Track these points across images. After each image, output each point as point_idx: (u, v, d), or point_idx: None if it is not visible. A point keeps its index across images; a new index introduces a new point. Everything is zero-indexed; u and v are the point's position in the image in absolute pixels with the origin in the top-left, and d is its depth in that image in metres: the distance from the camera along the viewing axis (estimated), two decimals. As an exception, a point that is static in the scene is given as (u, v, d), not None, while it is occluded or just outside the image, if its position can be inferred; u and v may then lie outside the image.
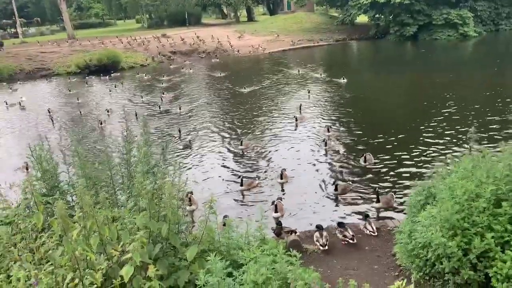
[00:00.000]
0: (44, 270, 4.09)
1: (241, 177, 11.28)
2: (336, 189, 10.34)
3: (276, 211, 9.27)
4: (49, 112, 20.64)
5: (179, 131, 15.94)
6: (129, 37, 49.51)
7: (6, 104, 24.44)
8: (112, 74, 34.84)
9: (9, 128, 19.90)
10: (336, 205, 10.06)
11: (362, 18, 56.86)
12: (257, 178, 11.46)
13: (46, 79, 35.60)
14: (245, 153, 13.66)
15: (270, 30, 55.37)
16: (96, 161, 6.41)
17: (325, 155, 12.87)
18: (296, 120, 16.27)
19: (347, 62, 38.51)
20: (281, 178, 11.17)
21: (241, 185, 11.04)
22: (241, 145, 13.90)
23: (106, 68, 37.16)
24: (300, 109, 17.91)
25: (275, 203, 9.43)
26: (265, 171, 12.20)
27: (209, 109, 20.49)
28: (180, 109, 19.85)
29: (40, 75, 37.18)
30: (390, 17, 50.12)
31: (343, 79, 24.36)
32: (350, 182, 10.78)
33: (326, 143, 13.15)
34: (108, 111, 20.30)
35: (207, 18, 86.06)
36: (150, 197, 4.49)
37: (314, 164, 12.38)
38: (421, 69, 29.86)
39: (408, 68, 31.07)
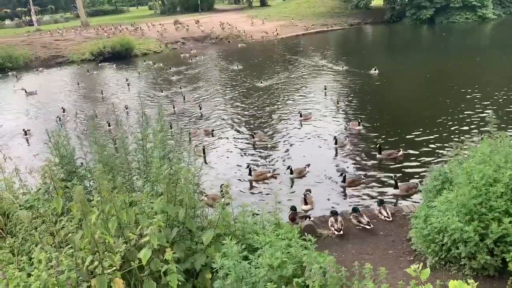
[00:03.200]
0: (65, 252, 4.20)
1: (249, 166, 11.26)
2: (343, 181, 10.29)
3: (306, 203, 9.10)
4: (63, 111, 19.27)
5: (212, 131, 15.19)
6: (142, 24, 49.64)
7: None
8: (100, 64, 34.99)
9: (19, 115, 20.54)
10: (351, 193, 10.04)
11: (377, 2, 55.80)
12: (271, 171, 11.40)
13: (59, 66, 36.23)
14: (257, 145, 13.60)
15: (283, 15, 54.77)
16: (112, 147, 6.50)
17: (336, 152, 12.53)
18: (301, 116, 15.74)
19: (366, 48, 36.95)
20: (291, 173, 10.95)
21: (249, 174, 11.09)
22: (254, 137, 13.86)
23: (120, 55, 37.50)
24: (338, 102, 17.14)
25: (305, 195, 9.28)
26: (277, 164, 12.10)
27: (225, 105, 19.41)
28: (200, 108, 18.07)
29: (55, 62, 37.57)
30: (406, 0, 49.03)
31: (375, 70, 22.43)
32: (362, 176, 10.63)
33: (336, 140, 12.76)
34: (126, 108, 18.79)
35: (220, 4, 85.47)
36: (167, 182, 4.54)
37: (328, 158, 12.25)
38: (446, 53, 28.94)
39: (433, 52, 29.88)
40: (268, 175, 11.16)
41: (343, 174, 10.42)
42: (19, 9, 76.49)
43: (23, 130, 16.50)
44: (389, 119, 15.56)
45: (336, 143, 12.72)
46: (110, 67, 34.52)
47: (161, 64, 32.33)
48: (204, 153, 12.31)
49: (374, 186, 10.33)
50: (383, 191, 10.03)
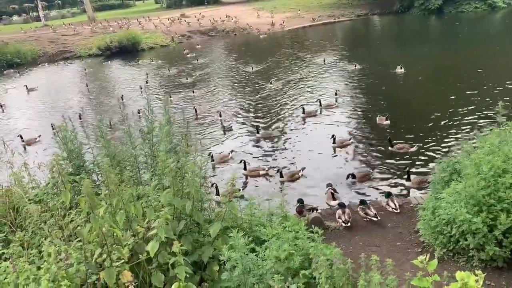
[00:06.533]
0: (73, 246, 4.24)
1: (244, 161, 11.30)
2: (354, 177, 10.14)
3: (334, 199, 8.96)
4: (80, 117, 17.26)
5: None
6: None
7: None
8: (83, 60, 34.67)
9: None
10: (361, 186, 10.02)
11: (385, -8, 55.10)
12: (265, 168, 11.30)
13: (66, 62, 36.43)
14: (262, 142, 13.55)
15: (290, 7, 54.40)
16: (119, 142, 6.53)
17: (334, 152, 12.29)
18: (303, 113, 15.41)
19: (378, 41, 35.66)
20: (281, 176, 10.65)
21: (244, 169, 11.15)
22: (258, 133, 13.81)
23: (126, 49, 37.60)
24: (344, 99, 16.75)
25: (333, 190, 9.17)
26: (277, 161, 12.03)
27: (234, 106, 18.46)
28: (221, 116, 16.33)
29: (62, 57, 37.78)
30: (415, -10, 48.33)
31: (401, 68, 20.59)
32: (371, 170, 10.54)
33: (334, 139, 12.46)
34: (139, 112, 16.42)
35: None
36: (173, 175, 4.55)
37: (337, 154, 12.19)
38: (465, 43, 28.38)
39: (449, 43, 29.13)
40: (261, 172, 11.11)
41: (352, 174, 10.22)
42: (26, 4, 76.73)
43: (19, 135, 15.47)
44: (405, 114, 15.23)
45: (334, 142, 12.44)
46: (106, 64, 34.32)
47: (159, 61, 31.47)
48: (212, 160, 12.05)
49: (383, 178, 10.28)
50: (393, 183, 9.98)
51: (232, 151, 12.49)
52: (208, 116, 17.04)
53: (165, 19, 48.56)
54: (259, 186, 10.64)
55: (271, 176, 11.03)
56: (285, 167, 11.49)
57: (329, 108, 16.07)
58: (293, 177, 10.68)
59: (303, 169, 10.94)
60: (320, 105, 16.27)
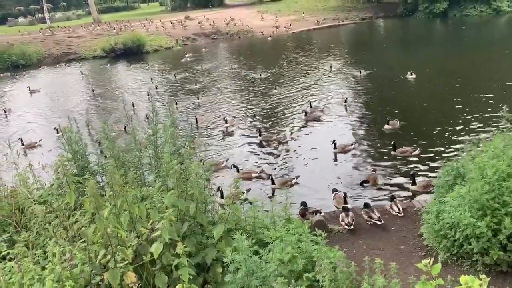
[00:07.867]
0: (78, 246, 4.26)
1: (234, 164, 11.35)
2: (367, 182, 10.06)
3: (346, 202, 8.76)
4: (87, 125, 16.74)
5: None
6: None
7: None
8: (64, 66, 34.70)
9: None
10: (364, 187, 10.01)
11: (389, -5, 55.09)
12: (258, 171, 11.29)
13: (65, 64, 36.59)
14: (263, 145, 13.53)
15: (294, 10, 54.49)
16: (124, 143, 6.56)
17: (335, 158, 12.15)
18: (305, 116, 15.32)
19: (383, 45, 35.18)
20: (273, 183, 10.42)
21: (237, 171, 11.14)
22: (260, 135, 13.80)
23: (131, 51, 37.72)
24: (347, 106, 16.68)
25: (340, 195, 9.11)
26: (273, 166, 11.92)
27: (238, 110, 18.09)
28: (226, 122, 15.49)
29: (67, 59, 38.00)
30: (420, -7, 48.23)
31: (411, 74, 20.00)
32: (374, 173, 10.43)
33: (335, 145, 12.28)
34: (147, 117, 15.39)
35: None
36: (177, 177, 4.57)
37: (335, 159, 12.15)
38: (472, 47, 28.28)
39: (455, 46, 29.08)
40: (254, 175, 11.07)
41: (364, 181, 10.14)
42: (32, 6, 77.20)
43: (20, 139, 15.10)
44: (411, 118, 14.99)
45: (335, 147, 12.29)
46: (103, 67, 34.26)
47: (157, 64, 31.17)
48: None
49: (387, 182, 10.23)
50: (396, 187, 9.94)
51: (227, 159, 12.25)
52: (210, 124, 16.45)
53: (169, 21, 48.70)
54: (252, 188, 10.46)
55: (263, 178, 10.98)
56: (284, 169, 11.49)
57: (317, 111, 15.94)
58: (285, 185, 10.33)
59: (297, 177, 10.75)
60: (310, 106, 16.35)
